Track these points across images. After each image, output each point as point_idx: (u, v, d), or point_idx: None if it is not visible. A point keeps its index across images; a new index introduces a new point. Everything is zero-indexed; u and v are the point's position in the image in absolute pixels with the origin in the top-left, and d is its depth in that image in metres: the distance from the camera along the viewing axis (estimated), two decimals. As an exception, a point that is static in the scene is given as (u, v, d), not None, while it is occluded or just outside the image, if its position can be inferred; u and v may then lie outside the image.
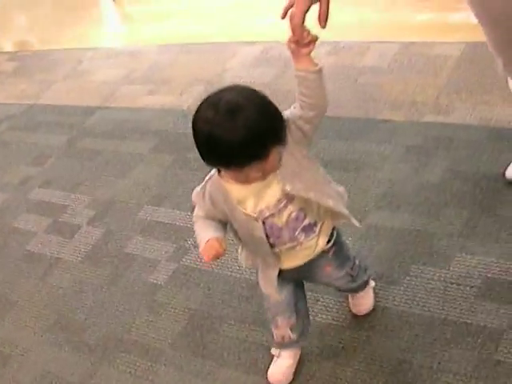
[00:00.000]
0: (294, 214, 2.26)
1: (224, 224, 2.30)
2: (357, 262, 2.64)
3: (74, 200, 4.28)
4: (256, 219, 2.22)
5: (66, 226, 4.11)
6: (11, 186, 4.67)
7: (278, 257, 2.38)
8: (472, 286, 2.75)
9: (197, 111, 2.04)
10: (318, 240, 2.39)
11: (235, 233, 2.35)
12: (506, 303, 2.72)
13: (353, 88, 4.35)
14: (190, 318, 3.19)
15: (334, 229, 2.46)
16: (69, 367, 3.22)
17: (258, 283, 2.57)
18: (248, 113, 1.96)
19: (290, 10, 2.03)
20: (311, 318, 2.82)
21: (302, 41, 2.02)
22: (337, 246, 2.48)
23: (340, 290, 2.82)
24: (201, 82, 4.97)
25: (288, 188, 2.17)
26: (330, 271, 2.54)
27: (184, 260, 3.51)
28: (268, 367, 2.81)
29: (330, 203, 2.27)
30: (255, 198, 2.19)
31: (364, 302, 2.86)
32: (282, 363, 2.75)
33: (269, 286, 2.48)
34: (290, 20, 2.01)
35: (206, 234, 2.22)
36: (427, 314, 2.83)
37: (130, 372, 3.06)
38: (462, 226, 3.12)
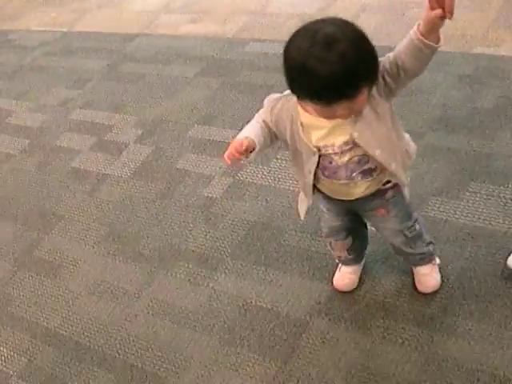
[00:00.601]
0: (356, 158, 2.20)
1: (272, 136, 2.26)
2: (417, 226, 2.54)
3: (119, 120, 4.30)
4: (314, 153, 2.18)
5: (112, 143, 4.13)
6: (50, 108, 4.69)
7: (313, 192, 2.37)
8: (532, 203, 2.79)
9: (291, 40, 1.93)
10: (374, 181, 2.31)
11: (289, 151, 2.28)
12: None
13: (401, 21, 4.36)
14: (248, 229, 3.22)
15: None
16: (124, 276, 3.26)
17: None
18: (345, 47, 1.85)
19: None
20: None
21: (449, 14, 1.88)
22: (397, 192, 2.40)
23: (397, 253, 2.70)
24: (245, 13, 4.98)
25: (356, 137, 2.12)
26: (384, 215, 2.45)
27: (240, 175, 3.54)
28: (333, 275, 2.84)
29: (393, 167, 2.22)
30: (327, 131, 2.13)
31: (427, 279, 2.73)
32: (346, 270, 2.79)
33: (301, 211, 2.49)
34: None
35: (242, 135, 2.16)
36: (489, 227, 2.88)
37: (189, 280, 3.10)
38: (519, 148, 3.16)
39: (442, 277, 2.72)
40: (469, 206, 2.98)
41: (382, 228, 2.55)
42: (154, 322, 2.93)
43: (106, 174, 3.86)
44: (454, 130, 3.38)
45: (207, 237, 3.24)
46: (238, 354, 2.72)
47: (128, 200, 3.63)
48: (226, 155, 2.10)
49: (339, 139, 2.13)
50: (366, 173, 2.25)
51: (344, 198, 2.38)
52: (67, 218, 3.69)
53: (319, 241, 3.02)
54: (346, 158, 2.18)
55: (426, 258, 2.67)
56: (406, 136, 2.33)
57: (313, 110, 2.05)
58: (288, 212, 3.20)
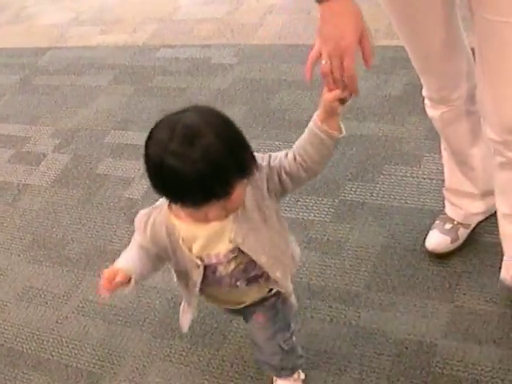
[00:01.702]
0: (242, 266, 1.94)
1: (154, 259, 1.97)
2: (294, 338, 2.26)
3: (36, 131, 4.25)
4: (198, 265, 1.91)
5: (31, 154, 4.07)
6: (-38, 124, 4.57)
7: (198, 302, 2.12)
8: (443, 180, 2.84)
9: (150, 133, 1.68)
10: (260, 288, 2.07)
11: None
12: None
13: (307, 19, 4.41)
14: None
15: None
16: (52, 280, 3.20)
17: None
18: (209, 140, 1.59)
19: (323, 62, 1.72)
20: (294, 215, 2.96)
21: (347, 98, 1.73)
22: (279, 301, 2.14)
23: (262, 365, 2.41)
24: (154, 20, 4.98)
25: (239, 241, 1.85)
26: (262, 322, 2.17)
27: (159, 175, 3.50)
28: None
29: (278, 274, 1.98)
30: (205, 240, 1.86)
31: None
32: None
33: (184, 323, 2.21)
34: (346, 72, 1.68)
35: (116, 264, 1.88)
36: (405, 205, 2.94)
37: (116, 278, 3.05)
38: (427, 131, 3.23)
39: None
40: (384, 188, 3.03)
41: (255, 335, 2.26)
42: (86, 322, 2.89)
43: (26, 184, 3.80)
44: (365, 118, 3.44)
45: (131, 236, 3.20)
46: (171, 345, 2.70)
47: (50, 207, 3.58)
48: (100, 288, 1.80)
49: (223, 247, 1.87)
50: (252, 280, 2.00)
51: (224, 306, 2.24)
52: (-11, 231, 3.57)
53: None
54: (231, 268, 1.93)
55: (293, 369, 2.37)
56: (292, 239, 2.11)
57: (184, 214, 1.80)
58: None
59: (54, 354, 2.83)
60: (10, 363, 2.84)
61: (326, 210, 3.02)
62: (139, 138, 3.78)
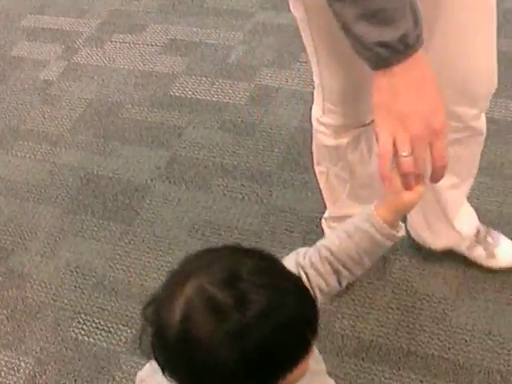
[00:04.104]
0: None
1: None
2: None
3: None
4: None
5: None
6: None
7: None
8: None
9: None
10: None
11: None
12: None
13: None
14: (86, 107, 3.06)
15: None
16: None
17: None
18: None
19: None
20: (209, 98, 2.88)
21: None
22: None
23: None
24: None
25: None
26: None
27: (75, 58, 3.34)
28: (172, 142, 2.72)
29: None
30: None
31: None
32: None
33: None
34: (440, 161, 1.17)
35: None
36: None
37: (29, 157, 2.92)
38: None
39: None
40: (300, 75, 2.93)
41: None
42: (-3, 199, 2.73)
43: None
44: (283, 8, 3.29)
45: (45, 116, 3.06)
46: (83, 220, 2.58)
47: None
48: None
49: None
50: None
51: None
52: None
53: (155, 112, 2.87)
54: None
55: None
56: None
57: None
58: (124, 88, 3.04)
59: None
60: None
61: (242, 93, 2.91)
62: (56, 23, 3.58)
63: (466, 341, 2.02)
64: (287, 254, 2.19)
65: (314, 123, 1.82)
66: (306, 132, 2.55)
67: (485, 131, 1.85)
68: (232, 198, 2.53)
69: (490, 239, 2.22)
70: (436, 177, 1.18)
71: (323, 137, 1.83)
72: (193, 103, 2.91)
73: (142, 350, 1.08)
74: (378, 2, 1.07)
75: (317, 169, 2.00)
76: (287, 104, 2.81)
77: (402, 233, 1.21)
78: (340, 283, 1.26)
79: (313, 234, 2.35)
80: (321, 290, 1.24)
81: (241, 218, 2.46)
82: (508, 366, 2.04)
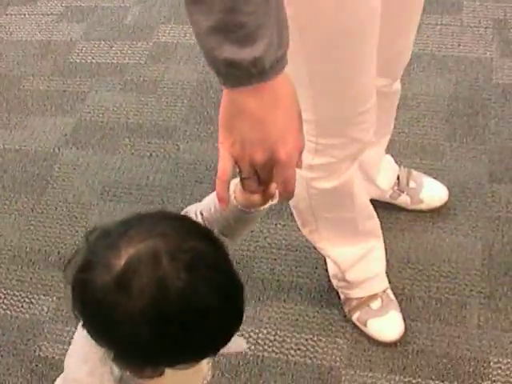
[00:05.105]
0: None
1: None
2: None
3: None
4: None
5: None
6: None
7: None
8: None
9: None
10: None
11: None
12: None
13: None
14: (-15, 82, 2.95)
15: None
16: None
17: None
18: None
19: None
20: (109, 61, 2.82)
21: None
22: None
23: None
24: None
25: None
26: None
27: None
28: (76, 108, 2.66)
29: None
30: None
31: None
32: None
33: None
34: (288, 187, 1.05)
35: None
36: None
37: None
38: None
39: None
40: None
41: None
42: None
43: None
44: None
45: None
46: (-7, 197, 2.50)
47: None
48: None
49: None
50: None
51: None
52: None
53: (57, 80, 2.81)
54: None
55: None
56: None
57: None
58: (23, 61, 2.96)
59: None
60: None
61: (141, 52, 2.87)
62: None
63: (385, 271, 2.01)
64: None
65: (304, 173, 1.52)
66: (208, 84, 2.54)
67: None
68: (140, 156, 2.50)
69: (412, 184, 2.20)
70: (283, 200, 1.09)
71: (320, 182, 1.65)
72: (93, 68, 2.85)
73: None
74: (240, 15, 0.90)
75: (306, 230, 1.87)
76: (187, 59, 2.78)
77: (268, 204, 1.13)
78: (232, 240, 1.22)
79: (224, 182, 2.32)
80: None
81: (150, 174, 2.43)
82: (429, 291, 2.05)
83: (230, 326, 1.02)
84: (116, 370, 1.13)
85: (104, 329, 1.01)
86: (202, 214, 1.19)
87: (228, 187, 1.04)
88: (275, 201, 1.12)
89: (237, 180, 1.08)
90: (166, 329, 0.96)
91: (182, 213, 1.22)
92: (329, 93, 1.43)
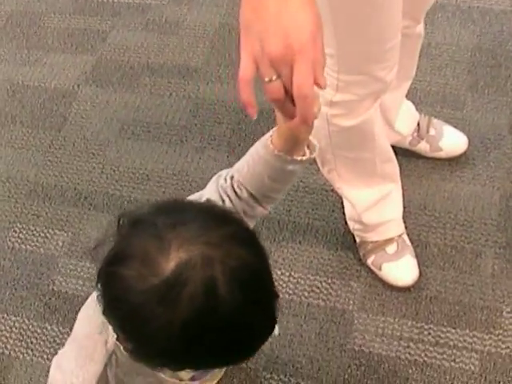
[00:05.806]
0: None
1: None
2: None
3: None
4: None
5: None
6: None
7: None
8: None
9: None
10: None
11: None
12: None
13: None
14: (7, 19, 2.93)
15: None
16: None
17: None
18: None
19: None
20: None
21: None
22: None
23: None
24: None
25: None
26: None
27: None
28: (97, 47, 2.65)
29: None
30: None
31: None
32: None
33: None
34: (299, 89, 0.94)
35: None
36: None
37: (-49, 74, 2.78)
38: None
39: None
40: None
41: None
42: None
43: None
44: None
45: None
46: (12, 131, 2.51)
47: None
48: None
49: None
50: None
51: None
52: None
53: (78, 18, 2.80)
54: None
55: None
56: None
57: None
58: (45, -2, 2.91)
59: None
60: None
61: (163, -8, 2.80)
62: None
63: (402, 217, 1.99)
64: (218, 145, 2.17)
65: (325, 109, 1.51)
66: (230, 26, 2.50)
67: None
68: (160, 95, 2.47)
69: (432, 131, 2.17)
70: (301, 112, 0.96)
71: (340, 120, 1.61)
72: (115, 7, 2.81)
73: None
74: None
75: (325, 170, 1.87)
76: (210, 1, 2.73)
77: (307, 156, 1.11)
78: (263, 207, 1.18)
79: (242, 124, 2.30)
80: (245, 213, 1.16)
81: (169, 114, 2.40)
82: (445, 239, 2.03)
83: (265, 336, 0.99)
84: (109, 343, 1.10)
85: (132, 330, 0.96)
86: (231, 179, 1.15)
87: (252, 88, 0.96)
88: (314, 154, 1.11)
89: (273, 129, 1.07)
90: (205, 341, 0.92)
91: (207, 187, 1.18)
92: (351, 29, 1.42)
